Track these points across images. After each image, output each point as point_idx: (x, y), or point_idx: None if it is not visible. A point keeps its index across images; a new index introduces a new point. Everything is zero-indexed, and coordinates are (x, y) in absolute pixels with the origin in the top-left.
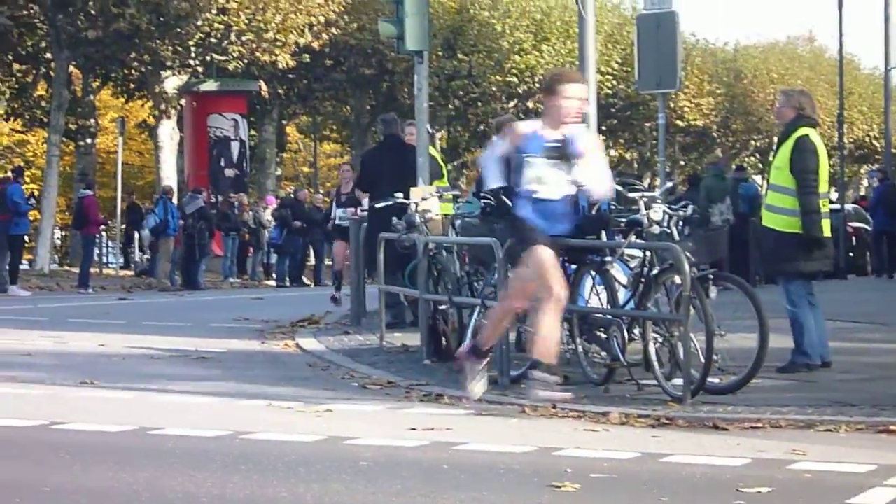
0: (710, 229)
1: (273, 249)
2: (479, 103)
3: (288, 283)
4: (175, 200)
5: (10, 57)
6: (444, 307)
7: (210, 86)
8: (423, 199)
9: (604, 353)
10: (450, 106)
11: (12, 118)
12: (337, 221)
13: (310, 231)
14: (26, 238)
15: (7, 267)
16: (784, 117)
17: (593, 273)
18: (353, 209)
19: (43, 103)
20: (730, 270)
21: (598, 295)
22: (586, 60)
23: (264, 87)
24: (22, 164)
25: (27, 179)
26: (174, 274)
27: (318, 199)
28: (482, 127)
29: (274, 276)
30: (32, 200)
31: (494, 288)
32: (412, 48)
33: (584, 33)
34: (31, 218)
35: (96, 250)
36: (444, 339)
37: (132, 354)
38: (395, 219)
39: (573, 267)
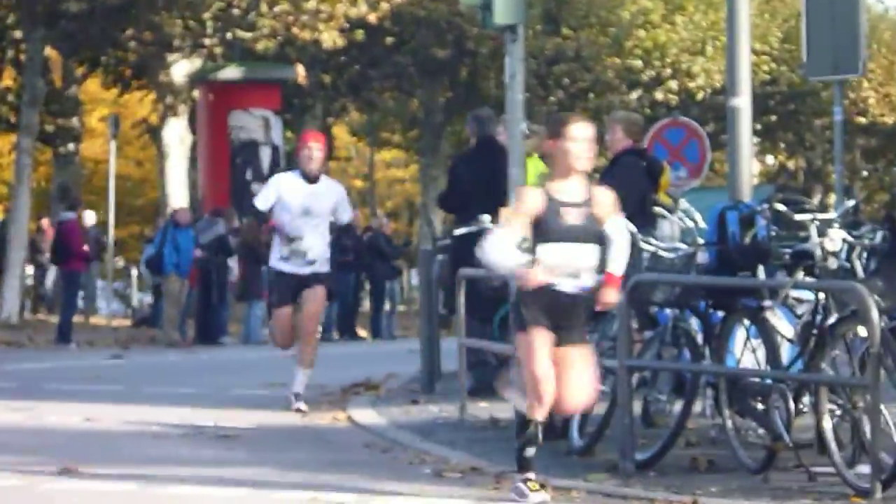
0: None
1: None
2: (591, 94)
3: (336, 336)
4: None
5: None
6: None
7: (232, 73)
8: None
9: (762, 431)
10: (552, 98)
11: None
12: (279, 264)
13: (364, 266)
14: None
15: None
16: None
17: (747, 322)
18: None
19: (10, 97)
20: None
21: (753, 352)
22: (736, 36)
23: (303, 73)
24: None
25: None
26: (185, 324)
27: (381, 222)
28: (595, 125)
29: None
30: None
31: (613, 342)
32: (502, 21)
33: (733, 1)
34: None
35: (81, 292)
36: None
37: (130, 432)
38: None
39: (720, 314)
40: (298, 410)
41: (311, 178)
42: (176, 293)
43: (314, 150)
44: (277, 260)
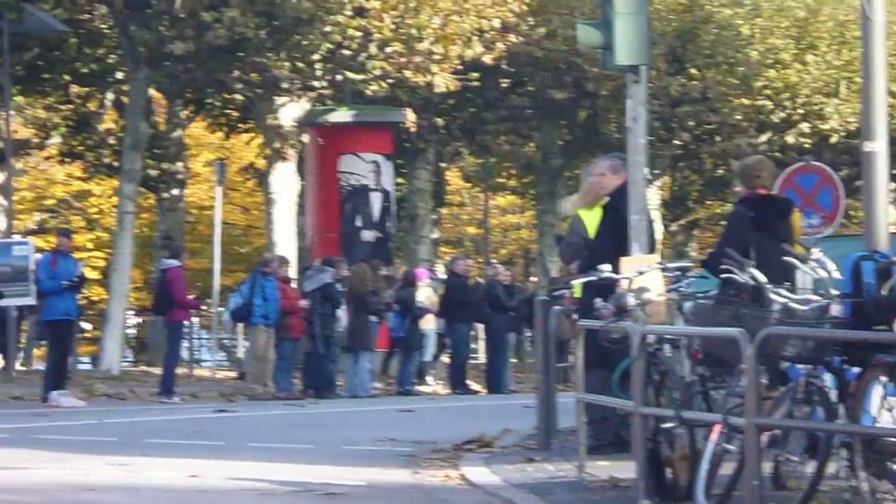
0: None
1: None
2: (718, 137)
3: (411, 389)
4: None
5: (68, 77)
6: (668, 425)
7: (342, 116)
8: (640, 272)
9: None
10: (676, 141)
11: (70, 160)
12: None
13: (479, 316)
14: (83, 326)
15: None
16: None
17: (885, 379)
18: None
19: (112, 140)
20: None
21: (891, 410)
22: (872, 76)
23: (413, 118)
24: (83, 223)
25: (88, 244)
26: (288, 375)
27: (496, 270)
28: (721, 171)
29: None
30: (78, 272)
31: (741, 399)
32: (624, 62)
33: (869, 38)
34: (90, 298)
35: (185, 343)
36: (669, 469)
37: (235, 489)
38: (598, 300)
39: (855, 371)
40: None
41: None
42: (261, 345)
43: None
44: None
